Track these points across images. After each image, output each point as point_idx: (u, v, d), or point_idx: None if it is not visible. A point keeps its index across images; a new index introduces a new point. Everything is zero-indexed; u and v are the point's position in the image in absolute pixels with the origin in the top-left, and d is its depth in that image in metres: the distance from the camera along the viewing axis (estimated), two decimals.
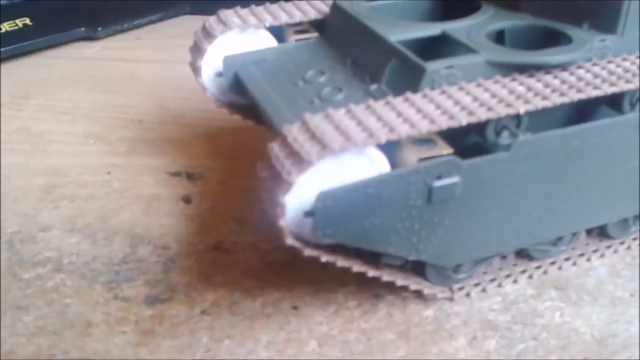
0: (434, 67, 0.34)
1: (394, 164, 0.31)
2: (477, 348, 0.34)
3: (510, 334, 0.35)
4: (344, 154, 0.30)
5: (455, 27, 0.38)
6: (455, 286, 0.37)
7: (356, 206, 0.30)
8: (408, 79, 0.35)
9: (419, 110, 0.31)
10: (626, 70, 0.35)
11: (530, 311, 0.36)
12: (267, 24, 0.44)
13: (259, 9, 0.45)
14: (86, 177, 0.49)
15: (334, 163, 0.30)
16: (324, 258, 0.32)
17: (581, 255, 0.40)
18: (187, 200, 0.46)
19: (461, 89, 0.33)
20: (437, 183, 0.31)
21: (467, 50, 0.36)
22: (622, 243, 0.41)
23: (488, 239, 0.35)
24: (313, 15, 0.44)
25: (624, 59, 0.36)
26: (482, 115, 0.31)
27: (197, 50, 0.44)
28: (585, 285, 0.38)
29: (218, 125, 0.56)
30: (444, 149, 0.31)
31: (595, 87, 0.33)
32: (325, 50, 0.42)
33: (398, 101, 0.32)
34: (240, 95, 0.44)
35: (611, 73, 0.35)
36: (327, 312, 0.37)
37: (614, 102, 0.35)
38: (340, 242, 0.32)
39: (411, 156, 0.31)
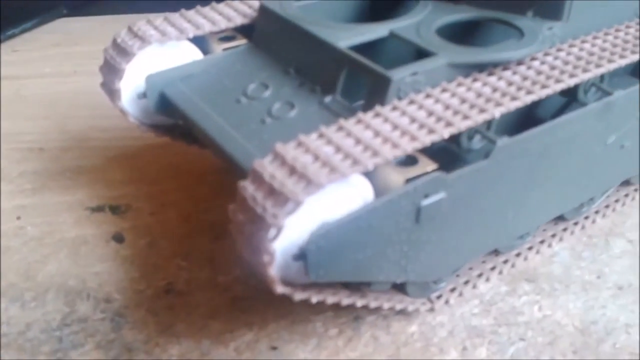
0: (399, 75, 0.31)
1: (376, 187, 0.29)
2: (469, 359, 0.33)
3: (498, 338, 0.34)
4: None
5: (402, 26, 0.36)
6: (434, 295, 0.36)
7: (349, 241, 0.28)
8: (370, 89, 0.32)
9: (395, 127, 0.29)
10: (578, 58, 0.35)
11: (509, 310, 0.36)
12: (190, 35, 0.39)
13: (176, 18, 0.41)
14: None
15: (320, 198, 0.27)
16: (315, 299, 0.29)
17: (542, 242, 0.40)
18: (119, 238, 0.41)
19: (428, 96, 0.31)
20: (425, 202, 0.29)
21: (423, 51, 0.34)
22: (576, 224, 0.41)
23: (469, 245, 0.34)
24: (239, 20, 0.41)
25: (571, 45, 0.36)
26: (461, 125, 0.29)
27: (112, 71, 0.38)
28: (552, 272, 0.38)
29: (131, 145, 0.51)
30: (428, 165, 0.29)
31: (558, 81, 0.33)
32: (260, 59, 0.39)
33: (370, 117, 0.30)
34: (168, 115, 0.40)
35: (566, 63, 0.34)
36: (309, 346, 0.34)
37: (568, 91, 0.35)
38: (331, 281, 0.29)
39: (396, 177, 0.29)
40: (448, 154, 0.32)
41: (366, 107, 0.32)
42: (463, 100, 0.31)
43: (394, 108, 0.30)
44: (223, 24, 0.40)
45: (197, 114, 0.36)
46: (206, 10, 0.42)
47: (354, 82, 0.34)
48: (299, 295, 0.28)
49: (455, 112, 0.30)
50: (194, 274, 0.39)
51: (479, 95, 0.31)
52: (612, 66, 0.34)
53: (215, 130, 0.35)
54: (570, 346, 0.34)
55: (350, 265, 0.28)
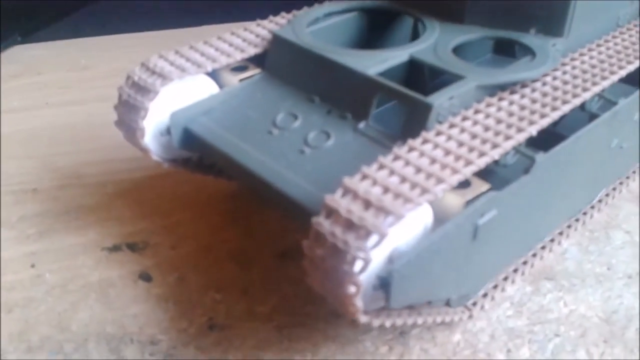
0: (439, 101, 0.33)
1: (435, 211, 0.30)
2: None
3: (535, 336, 0.37)
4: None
5: (420, 50, 0.38)
6: (469, 303, 0.38)
7: (424, 266, 0.29)
8: (410, 115, 0.34)
9: (448, 152, 0.31)
10: (585, 72, 0.38)
11: (538, 308, 0.39)
12: (209, 69, 0.39)
13: (189, 51, 0.41)
14: (8, 276, 0.41)
15: (397, 227, 0.28)
16: (389, 323, 0.30)
17: (551, 240, 0.43)
18: (146, 277, 0.41)
19: (465, 119, 0.33)
20: (482, 221, 0.31)
21: (450, 75, 0.36)
22: (577, 220, 0.44)
23: (508, 254, 0.36)
24: (252, 51, 0.41)
25: (573, 59, 0.39)
26: (507, 145, 0.31)
27: (132, 110, 0.38)
28: (567, 269, 0.41)
29: (128, 179, 0.50)
30: (482, 186, 0.31)
31: (575, 95, 0.35)
32: (279, 88, 0.39)
33: (419, 144, 0.31)
34: (191, 150, 0.40)
35: (575, 77, 0.37)
36: None
37: None
38: (405, 305, 0.30)
39: (456, 201, 0.30)
40: (484, 171, 0.34)
41: (406, 133, 0.33)
42: (499, 121, 0.33)
43: (439, 133, 0.32)
44: (238, 56, 0.40)
45: (229, 147, 0.36)
46: (215, 41, 0.42)
47: (388, 109, 0.35)
48: (377, 322, 0.30)
49: (497, 133, 0.32)
50: (232, 306, 0.39)
51: (510, 114, 0.34)
52: (615, 77, 0.37)
53: (253, 163, 0.35)
54: (600, 336, 0.37)
55: (422, 289, 0.30)
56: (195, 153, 0.40)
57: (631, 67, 0.38)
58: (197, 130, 0.38)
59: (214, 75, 0.41)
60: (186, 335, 0.37)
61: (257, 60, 0.42)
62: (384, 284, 0.28)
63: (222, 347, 0.36)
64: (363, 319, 0.29)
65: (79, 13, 0.79)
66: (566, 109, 0.34)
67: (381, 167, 0.30)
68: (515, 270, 0.41)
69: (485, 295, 0.39)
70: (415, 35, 0.47)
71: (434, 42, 0.39)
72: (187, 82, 0.39)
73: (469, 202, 0.30)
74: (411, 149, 0.31)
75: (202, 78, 0.40)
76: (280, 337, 0.37)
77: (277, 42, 0.40)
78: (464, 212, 0.30)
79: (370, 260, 0.27)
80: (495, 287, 0.39)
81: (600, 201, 0.46)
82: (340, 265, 0.27)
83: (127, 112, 0.38)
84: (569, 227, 0.44)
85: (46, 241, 0.44)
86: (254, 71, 0.41)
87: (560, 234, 0.43)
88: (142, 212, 0.46)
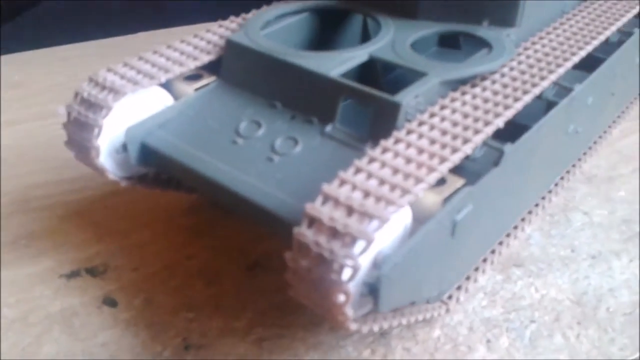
0: (406, 99, 0.33)
1: (413, 210, 0.30)
2: (496, 350, 0.36)
3: (512, 325, 0.37)
4: None
5: (379, 48, 0.38)
6: (445, 296, 0.38)
7: (409, 267, 0.29)
8: (378, 115, 0.33)
9: (421, 151, 0.31)
10: (539, 60, 0.38)
11: (511, 296, 0.39)
12: (163, 80, 0.38)
13: (138, 63, 0.39)
14: None
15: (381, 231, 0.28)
16: (377, 327, 0.30)
17: (515, 227, 0.44)
18: (110, 302, 0.39)
19: (433, 115, 0.33)
20: (459, 216, 0.31)
21: (411, 72, 0.36)
22: (536, 205, 0.45)
23: (483, 245, 0.36)
24: (206, 58, 0.40)
25: (526, 49, 0.40)
26: (477, 139, 0.31)
27: (85, 128, 0.36)
28: (533, 254, 0.42)
29: (79, 199, 0.47)
30: (457, 182, 0.31)
31: (534, 85, 0.36)
32: (237, 96, 0.38)
33: (392, 144, 0.31)
34: (149, 166, 0.38)
35: (531, 66, 0.38)
36: None
37: None
38: (392, 308, 0.30)
39: (433, 198, 0.30)
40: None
41: (375, 134, 0.33)
42: (465, 115, 0.33)
43: (410, 132, 0.32)
44: (191, 64, 0.39)
45: (192, 160, 0.35)
46: (165, 50, 0.40)
47: (354, 111, 0.35)
48: (365, 328, 0.29)
49: (465, 128, 0.32)
50: (206, 324, 0.37)
51: (475, 108, 0.34)
52: (570, 64, 0.38)
53: (220, 175, 0.34)
54: (573, 319, 0.38)
55: (408, 290, 0.30)
56: (153, 168, 0.39)
57: (583, 53, 0.39)
58: (155, 145, 0.36)
59: (166, 85, 0.39)
60: (162, 359, 0.35)
61: (209, 68, 0.40)
62: (372, 289, 0.28)
63: None
64: (352, 326, 0.28)
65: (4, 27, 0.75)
66: (528, 98, 0.35)
67: (358, 170, 0.29)
68: (485, 260, 0.41)
69: (459, 287, 0.39)
70: (365, 33, 0.47)
71: (391, 40, 0.39)
72: (140, 95, 0.37)
73: (446, 199, 0.30)
74: (385, 150, 0.31)
75: (155, 90, 0.38)
76: (260, 351, 0.36)
77: (231, 48, 0.39)
78: (443, 209, 0.30)
79: (360, 267, 0.26)
80: (467, 278, 0.40)
81: (556, 185, 0.47)
82: (328, 274, 0.27)
83: (79, 131, 0.36)
84: (529, 212, 0.45)
85: None
86: (208, 79, 0.40)
87: (523, 220, 0.44)
88: (97, 234, 0.44)
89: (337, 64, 0.36)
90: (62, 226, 0.45)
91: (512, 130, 0.35)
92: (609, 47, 0.44)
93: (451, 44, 0.46)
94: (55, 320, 0.38)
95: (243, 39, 0.39)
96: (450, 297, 0.38)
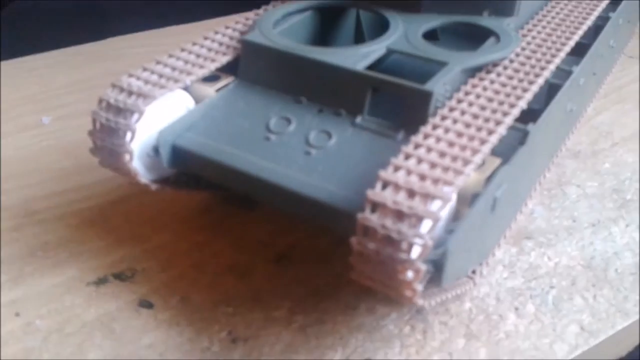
0: (437, 87, 0.35)
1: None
2: (525, 316, 0.38)
3: (535, 292, 0.40)
4: None
5: (394, 41, 0.40)
6: (470, 272, 0.41)
7: (464, 242, 0.31)
8: (409, 104, 0.35)
9: (460, 134, 0.33)
10: (540, 46, 0.41)
11: (528, 266, 0.42)
12: (188, 82, 0.38)
13: (158, 67, 0.39)
14: None
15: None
16: (434, 302, 0.32)
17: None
18: (147, 305, 0.39)
19: (460, 101, 0.35)
20: (498, 193, 0.33)
21: (431, 62, 0.38)
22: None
23: (508, 220, 0.39)
24: (224, 59, 0.40)
25: (524, 35, 0.43)
26: (507, 120, 0.34)
27: (116, 134, 0.36)
28: (541, 226, 0.45)
29: (88, 207, 0.47)
30: (495, 161, 0.33)
31: (543, 68, 0.39)
32: (261, 94, 0.39)
33: (431, 130, 0.33)
34: (181, 168, 0.39)
35: (534, 52, 0.41)
36: (395, 349, 0.36)
37: None
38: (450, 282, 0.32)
39: (477, 177, 0.32)
40: None
41: (407, 122, 0.35)
42: (490, 100, 0.36)
43: (444, 118, 0.34)
44: (211, 66, 0.40)
45: (230, 158, 0.36)
46: (180, 53, 0.41)
47: (383, 101, 0.36)
48: (427, 302, 0.31)
49: (494, 111, 0.34)
50: (247, 316, 0.38)
51: (496, 92, 0.36)
52: (568, 48, 0.41)
53: (261, 171, 0.35)
54: (588, 282, 0.41)
55: (462, 264, 0.32)
56: (186, 170, 0.39)
57: (577, 37, 0.42)
58: (188, 146, 0.37)
59: (186, 88, 0.40)
60: (212, 353, 0.36)
61: (224, 69, 0.41)
62: (437, 265, 0.30)
63: (253, 357, 0.36)
64: (421, 302, 0.30)
65: None
66: (541, 81, 0.37)
67: (407, 156, 0.31)
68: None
69: (480, 262, 0.41)
70: (358, 30, 0.49)
71: (404, 33, 0.40)
72: (166, 99, 0.38)
73: (488, 179, 0.32)
74: (426, 136, 0.33)
75: (179, 93, 0.38)
76: (306, 337, 0.37)
77: (249, 47, 0.40)
78: (488, 187, 0.32)
79: (430, 245, 0.28)
80: None
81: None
82: (397, 254, 0.28)
83: (110, 137, 0.36)
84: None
85: (22, 287, 0.40)
86: (227, 79, 0.40)
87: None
88: (116, 240, 0.44)
89: (360, 57, 0.38)
90: (77, 235, 0.44)
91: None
92: (587, 31, 0.48)
93: (432, 37, 0.49)
94: (94, 327, 0.38)
95: (260, 39, 0.40)
96: (474, 272, 0.41)
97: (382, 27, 0.48)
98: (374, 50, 0.39)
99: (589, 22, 0.45)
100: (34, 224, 0.45)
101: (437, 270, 0.30)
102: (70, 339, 0.37)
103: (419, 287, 0.29)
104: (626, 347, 0.40)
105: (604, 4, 0.48)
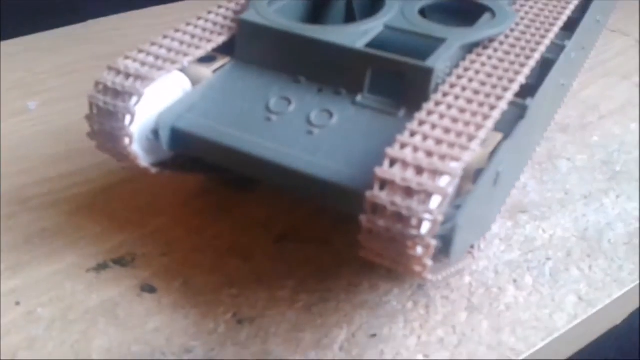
0: (437, 64, 0.35)
1: None
2: (524, 288, 0.39)
3: (532, 264, 0.41)
4: None
5: (391, 18, 0.40)
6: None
7: (471, 216, 0.31)
8: (410, 81, 0.35)
9: (463, 110, 0.33)
10: (533, 21, 0.42)
11: (524, 239, 0.43)
12: (186, 64, 0.38)
13: (153, 48, 0.39)
14: None
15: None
16: (441, 277, 0.32)
17: None
18: (149, 289, 0.39)
19: (460, 77, 0.36)
20: (501, 167, 0.34)
21: (429, 39, 0.38)
22: None
23: (505, 194, 0.39)
24: (220, 40, 0.40)
25: (517, 11, 0.43)
26: (507, 95, 0.34)
27: (115, 118, 0.35)
28: (534, 200, 0.46)
29: (83, 193, 0.46)
30: (497, 136, 0.34)
31: (538, 43, 0.39)
32: (259, 74, 0.39)
33: (434, 106, 0.33)
34: (182, 150, 0.38)
35: (529, 27, 0.41)
36: (400, 324, 0.37)
37: None
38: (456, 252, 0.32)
39: (481, 152, 0.33)
40: None
41: (409, 99, 0.35)
42: (489, 75, 0.36)
43: (445, 94, 0.34)
44: (207, 46, 0.39)
45: (231, 140, 0.36)
46: (175, 34, 0.40)
47: (384, 79, 0.36)
48: (435, 277, 0.32)
49: (494, 86, 0.35)
50: (251, 297, 0.38)
51: (495, 67, 0.36)
52: (561, 22, 0.41)
53: (264, 151, 0.35)
54: (583, 253, 0.42)
55: (468, 238, 0.32)
56: (186, 152, 0.39)
57: (568, 12, 0.43)
58: (188, 129, 0.37)
59: (183, 70, 0.39)
60: (218, 335, 0.36)
61: (219, 49, 0.41)
62: (445, 240, 0.30)
63: (260, 337, 0.36)
64: (430, 276, 0.30)
65: None
66: (537, 56, 0.38)
67: (413, 133, 0.31)
68: None
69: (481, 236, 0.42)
70: (349, 8, 0.49)
71: (400, 10, 0.40)
72: (163, 81, 0.37)
73: (492, 154, 0.33)
74: (430, 113, 0.33)
75: (176, 74, 0.38)
76: (311, 316, 0.37)
77: (246, 27, 0.40)
78: (492, 162, 0.32)
79: (440, 220, 0.28)
80: None
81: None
82: (407, 230, 0.29)
83: (108, 121, 0.36)
84: None
85: (21, 276, 0.40)
86: (223, 60, 0.40)
87: None
88: (113, 225, 0.44)
89: (358, 35, 0.38)
90: (73, 221, 0.44)
91: None
92: (577, 5, 0.48)
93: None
94: (97, 313, 0.37)
95: (257, 18, 0.39)
96: (472, 246, 0.41)
97: (372, 6, 0.48)
98: (372, 27, 0.39)
99: None
100: (28, 211, 0.45)
101: (445, 245, 0.30)
102: (74, 326, 0.37)
103: (429, 262, 0.29)
104: (621, 315, 0.41)
105: None
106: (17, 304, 0.38)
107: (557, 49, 0.42)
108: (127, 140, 0.36)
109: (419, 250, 0.29)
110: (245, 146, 0.35)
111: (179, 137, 0.37)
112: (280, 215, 0.44)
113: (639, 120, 0.54)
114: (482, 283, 0.40)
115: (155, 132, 0.37)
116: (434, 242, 0.29)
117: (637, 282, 0.40)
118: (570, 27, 0.45)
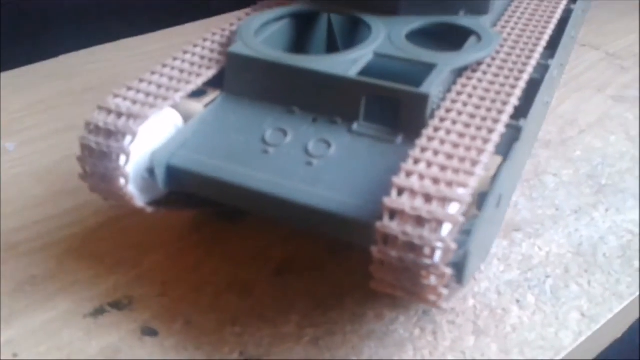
0: (432, 90, 0.35)
1: None
2: (527, 307, 0.39)
3: (532, 282, 0.41)
4: None
5: (380, 45, 0.40)
6: None
7: (480, 240, 0.31)
8: (406, 108, 0.35)
9: (462, 135, 0.33)
10: (516, 42, 0.42)
11: (522, 258, 0.43)
12: (178, 99, 0.37)
13: (142, 85, 0.38)
14: None
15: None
16: (452, 303, 0.32)
17: None
18: (150, 332, 0.38)
19: (454, 101, 0.36)
20: (503, 189, 0.34)
21: (419, 64, 0.38)
22: None
23: (504, 213, 0.40)
24: (209, 73, 0.40)
25: (499, 32, 0.43)
26: (503, 118, 0.34)
27: (108, 158, 0.35)
28: (526, 218, 0.46)
29: (70, 235, 0.45)
30: (496, 159, 0.34)
31: (525, 64, 0.40)
32: (251, 106, 0.39)
33: (432, 132, 0.33)
34: (179, 187, 0.37)
35: (514, 48, 0.42)
36: (409, 352, 0.37)
37: None
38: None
39: (484, 176, 0.33)
40: None
41: (405, 125, 0.35)
42: (482, 98, 0.36)
43: (443, 119, 0.34)
44: (197, 80, 0.39)
45: (229, 174, 0.35)
46: (163, 69, 0.39)
47: (379, 107, 0.36)
48: (448, 304, 0.31)
49: (489, 109, 0.35)
50: (256, 335, 0.38)
51: (487, 91, 0.37)
52: (544, 42, 0.42)
53: (265, 185, 0.34)
54: (580, 268, 0.42)
55: (477, 262, 0.32)
56: (183, 189, 0.38)
57: (550, 31, 0.44)
58: (183, 165, 0.36)
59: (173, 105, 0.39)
60: None
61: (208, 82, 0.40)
62: (457, 266, 0.30)
63: None
64: (444, 305, 0.30)
65: None
66: (526, 77, 0.38)
67: (416, 161, 0.31)
68: None
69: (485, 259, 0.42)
70: (330, 34, 0.49)
71: (387, 36, 0.41)
72: (156, 117, 0.37)
73: (494, 177, 0.33)
74: (430, 139, 0.33)
75: (167, 111, 0.37)
76: (319, 350, 0.37)
77: (235, 60, 0.39)
78: (495, 185, 0.33)
79: (453, 248, 0.28)
80: None
81: None
82: (421, 259, 0.29)
83: (102, 162, 0.35)
84: None
85: (15, 326, 0.38)
86: (214, 94, 0.40)
87: None
88: (106, 267, 0.42)
89: (349, 64, 0.38)
90: (64, 265, 0.42)
91: None
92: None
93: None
94: None
95: (246, 50, 0.39)
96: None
97: (352, 31, 0.48)
98: (361, 55, 0.39)
99: (558, 16, 0.46)
100: (16, 257, 0.43)
101: (458, 271, 0.30)
102: None
103: (444, 290, 0.29)
104: (622, 328, 0.42)
105: None
106: (15, 355, 0.37)
107: (541, 68, 0.43)
108: (122, 181, 0.35)
109: (433, 279, 0.29)
110: (245, 180, 0.35)
111: (175, 175, 0.36)
112: (275, 246, 0.44)
113: (617, 133, 0.56)
114: (486, 305, 0.40)
115: (151, 171, 0.36)
116: (448, 271, 0.28)
117: (636, 294, 0.40)
118: (550, 44, 0.46)
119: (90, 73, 0.67)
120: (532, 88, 0.41)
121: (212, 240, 0.44)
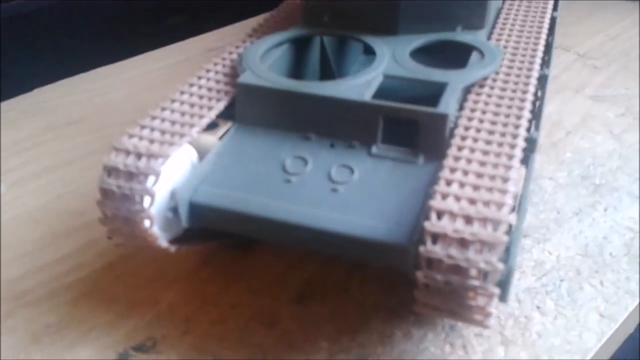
0: (450, 109, 0.36)
1: None
2: (548, 313, 0.40)
3: (549, 287, 0.42)
4: None
5: (387, 67, 0.40)
6: None
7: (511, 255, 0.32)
8: (425, 128, 0.36)
9: (486, 152, 0.34)
10: (514, 54, 0.43)
11: (534, 264, 0.44)
12: (195, 135, 0.37)
13: (155, 123, 0.37)
14: None
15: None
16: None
17: None
18: None
19: (470, 119, 0.37)
20: (525, 201, 0.35)
21: (430, 84, 0.38)
22: None
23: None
24: (221, 105, 0.39)
25: (496, 44, 0.45)
26: (521, 132, 0.35)
27: (131, 201, 0.34)
28: (532, 223, 0.47)
29: (80, 279, 0.44)
30: (522, 171, 0.35)
31: (527, 76, 0.41)
32: (266, 135, 0.39)
33: (457, 151, 0.34)
34: (203, 224, 0.37)
35: (512, 60, 0.43)
36: None
37: None
38: None
39: None
40: None
41: (425, 145, 0.36)
42: (496, 114, 0.37)
43: (464, 138, 0.35)
44: (211, 114, 0.38)
45: (255, 207, 0.35)
46: (172, 105, 0.39)
47: (396, 128, 0.37)
48: (491, 322, 0.32)
49: (505, 125, 0.36)
50: None
51: (498, 105, 0.38)
52: (540, 52, 0.43)
53: (293, 216, 0.34)
54: (590, 269, 0.44)
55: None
56: (206, 225, 0.37)
57: (542, 40, 0.45)
58: (206, 201, 0.35)
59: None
60: None
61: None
62: (501, 284, 0.30)
63: None
64: (491, 323, 0.31)
65: None
66: (533, 88, 0.39)
67: (448, 182, 0.32)
68: None
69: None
70: (323, 56, 0.49)
71: (392, 56, 0.41)
72: (174, 155, 0.36)
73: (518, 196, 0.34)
74: (457, 159, 0.33)
75: (185, 147, 0.37)
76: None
77: (246, 90, 0.39)
78: (523, 198, 0.33)
79: (500, 268, 0.29)
80: None
81: None
82: (468, 281, 0.29)
83: (125, 205, 0.34)
84: None
85: None
86: (226, 125, 0.39)
87: None
88: (121, 309, 0.41)
89: (363, 87, 0.38)
90: (78, 312, 0.41)
91: None
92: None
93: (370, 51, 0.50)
94: None
95: (256, 80, 0.39)
96: None
97: (340, 49, 0.49)
98: (372, 78, 0.39)
99: (547, 25, 0.48)
100: (27, 306, 0.42)
101: (503, 289, 0.31)
102: None
103: (492, 310, 0.30)
104: (634, 324, 0.43)
105: (550, 4, 0.51)
106: None
107: (542, 78, 0.44)
108: (147, 223, 0.34)
109: (481, 299, 0.29)
110: (272, 212, 0.34)
111: (198, 211, 0.36)
112: (292, 271, 0.44)
113: (602, 132, 0.58)
114: (509, 314, 0.40)
115: (174, 209, 0.35)
116: (496, 290, 0.29)
117: None
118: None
119: (69, 105, 0.65)
120: (536, 98, 0.42)
121: (227, 272, 0.44)
